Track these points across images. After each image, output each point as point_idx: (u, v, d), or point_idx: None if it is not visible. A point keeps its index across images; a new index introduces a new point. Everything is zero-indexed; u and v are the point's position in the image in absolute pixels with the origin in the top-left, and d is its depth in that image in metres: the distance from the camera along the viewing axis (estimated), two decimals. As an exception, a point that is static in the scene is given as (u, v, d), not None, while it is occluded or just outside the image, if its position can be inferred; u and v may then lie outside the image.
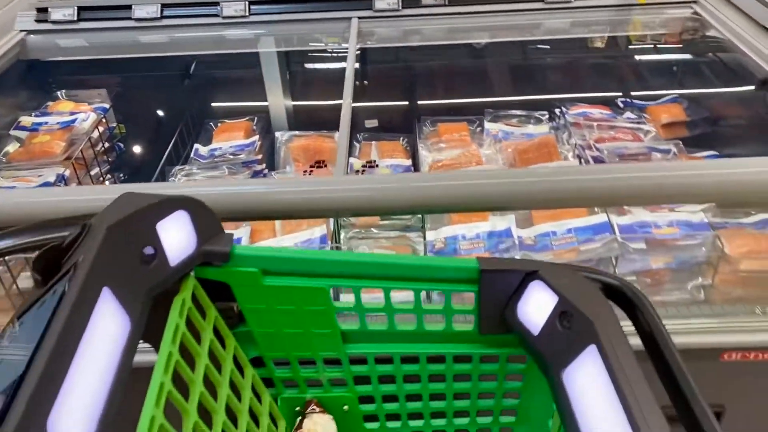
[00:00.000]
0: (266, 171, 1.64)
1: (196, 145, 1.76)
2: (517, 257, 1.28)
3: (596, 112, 1.69)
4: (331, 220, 1.34)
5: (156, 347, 0.79)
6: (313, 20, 1.78)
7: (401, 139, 1.75)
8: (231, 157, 1.71)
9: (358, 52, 1.63)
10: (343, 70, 1.51)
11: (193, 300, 0.80)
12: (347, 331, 0.90)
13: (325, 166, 1.62)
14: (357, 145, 1.74)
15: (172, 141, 1.74)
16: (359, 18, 1.72)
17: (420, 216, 1.38)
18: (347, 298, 1.18)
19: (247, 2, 1.82)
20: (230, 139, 1.78)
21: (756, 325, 1.16)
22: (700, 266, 1.28)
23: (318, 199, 0.99)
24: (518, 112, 1.76)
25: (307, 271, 0.84)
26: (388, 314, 0.88)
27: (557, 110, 1.73)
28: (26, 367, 0.56)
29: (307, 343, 0.90)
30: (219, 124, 1.84)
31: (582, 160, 1.51)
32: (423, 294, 0.87)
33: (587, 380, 0.72)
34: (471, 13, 1.75)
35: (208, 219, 0.81)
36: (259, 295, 0.85)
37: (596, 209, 1.31)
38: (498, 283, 0.83)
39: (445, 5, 1.76)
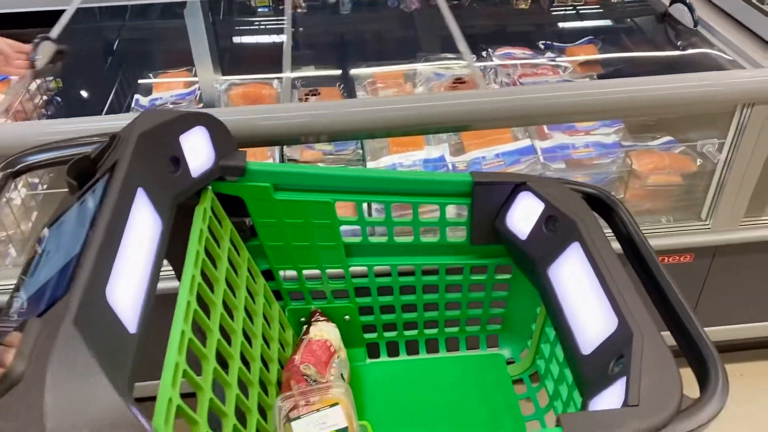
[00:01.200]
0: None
1: (136, 96, 1.74)
2: None
3: (519, 52, 1.78)
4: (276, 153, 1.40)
5: (172, 261, 0.86)
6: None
7: (338, 85, 1.79)
8: (172, 106, 1.72)
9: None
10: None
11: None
12: (350, 245, 0.98)
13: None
14: (295, 92, 1.77)
15: (112, 92, 1.72)
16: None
17: (359, 150, 1.45)
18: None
19: None
20: (170, 88, 1.77)
21: (663, 232, 1.29)
22: (613, 183, 1.38)
23: (346, 121, 1.06)
24: (449, 55, 1.83)
25: (315, 186, 0.91)
26: (387, 227, 0.96)
27: (483, 52, 1.82)
28: (80, 251, 0.62)
29: (313, 255, 0.98)
30: (158, 75, 1.84)
31: None
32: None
33: (570, 272, 0.81)
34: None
35: (224, 136, 0.87)
36: (271, 209, 0.92)
37: (520, 136, 1.40)
38: (489, 195, 0.92)
39: None
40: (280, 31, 1.74)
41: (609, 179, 1.37)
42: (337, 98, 1.71)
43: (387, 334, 1.08)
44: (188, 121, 0.83)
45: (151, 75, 1.84)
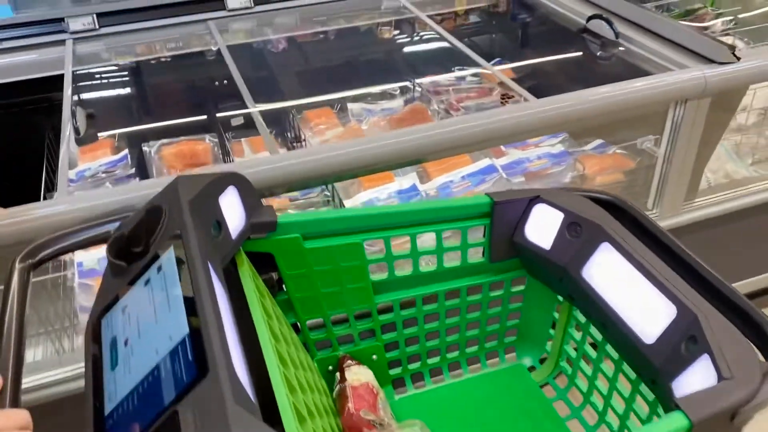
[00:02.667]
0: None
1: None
2: None
3: (443, 79, 1.89)
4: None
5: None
6: (168, 26, 1.69)
7: (271, 132, 1.81)
8: (104, 175, 1.64)
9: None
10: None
11: (243, 272, 0.84)
12: (376, 282, 0.98)
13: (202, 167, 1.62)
14: (227, 144, 1.76)
15: (44, 168, 1.59)
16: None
17: (326, 192, 1.47)
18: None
19: (94, 15, 1.63)
20: (96, 158, 1.69)
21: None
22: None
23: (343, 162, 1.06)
24: (373, 90, 1.90)
25: (344, 229, 0.91)
26: (413, 259, 0.98)
27: (408, 83, 1.91)
28: (191, 331, 0.59)
29: (341, 300, 0.97)
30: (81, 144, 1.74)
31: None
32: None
33: (607, 270, 0.87)
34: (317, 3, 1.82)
35: (251, 193, 0.85)
36: (300, 259, 0.91)
37: (478, 156, 1.48)
38: (507, 212, 0.96)
39: None
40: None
41: (562, 184, 1.47)
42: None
43: (411, 366, 1.09)
44: (223, 182, 0.81)
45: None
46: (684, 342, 0.75)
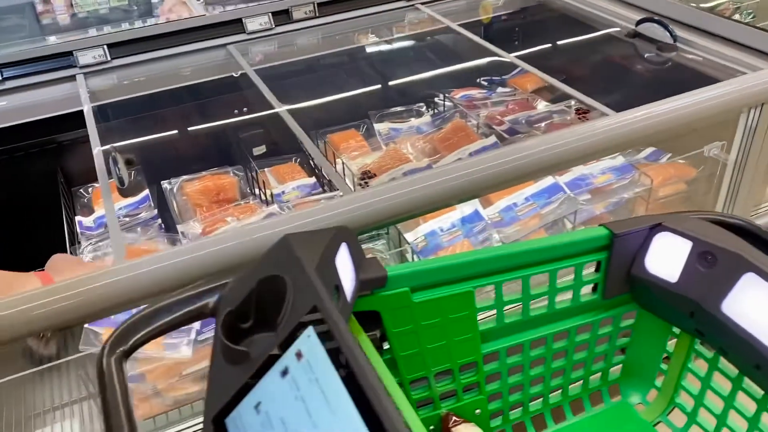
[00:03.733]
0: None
1: (78, 219, 1.51)
2: (495, 235, 1.33)
3: (475, 92, 1.80)
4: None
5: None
6: (185, 53, 1.58)
7: (294, 159, 1.71)
8: (128, 219, 1.52)
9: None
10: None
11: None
12: (483, 331, 0.88)
13: (230, 203, 1.51)
14: (252, 175, 1.65)
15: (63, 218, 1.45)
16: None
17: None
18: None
19: (105, 47, 1.52)
20: (115, 201, 1.55)
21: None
22: (629, 202, 1.43)
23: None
24: (399, 109, 1.81)
25: (454, 277, 0.81)
26: (524, 302, 0.88)
27: (437, 99, 1.82)
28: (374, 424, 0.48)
29: (447, 354, 0.87)
30: (91, 190, 1.60)
31: (495, 135, 1.58)
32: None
33: (755, 303, 0.78)
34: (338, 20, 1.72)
35: (359, 247, 0.75)
36: (408, 314, 0.81)
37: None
38: (626, 245, 0.87)
39: (315, 17, 1.69)
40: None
41: (622, 202, 1.39)
42: (300, 174, 1.60)
43: (512, 415, 0.99)
44: (337, 240, 0.70)
45: (83, 191, 1.61)
46: None
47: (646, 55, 1.41)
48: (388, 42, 1.73)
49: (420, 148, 1.50)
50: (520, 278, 0.86)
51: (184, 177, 1.58)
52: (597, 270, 0.90)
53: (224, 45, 1.53)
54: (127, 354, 0.66)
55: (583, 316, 0.94)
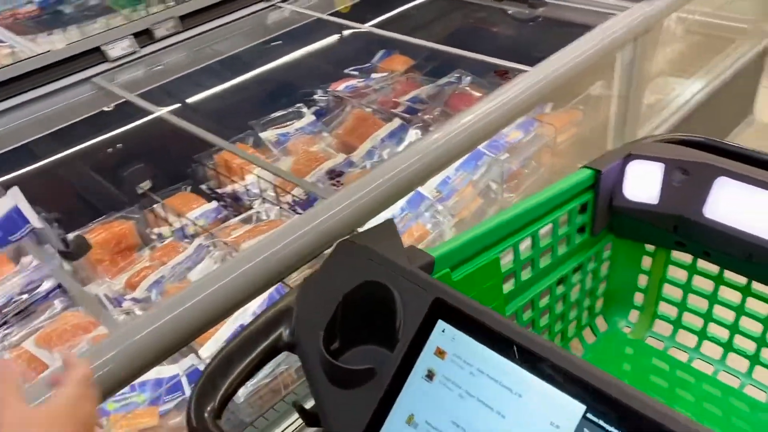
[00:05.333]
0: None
1: None
2: (439, 209, 1.36)
3: (355, 82, 1.82)
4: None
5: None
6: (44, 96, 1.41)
7: (184, 188, 1.61)
8: (27, 296, 1.30)
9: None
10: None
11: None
12: (506, 295, 0.89)
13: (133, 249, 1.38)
14: (148, 213, 1.53)
15: None
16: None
17: None
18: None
19: None
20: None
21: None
22: (533, 156, 1.54)
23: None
24: (279, 114, 1.77)
25: (481, 247, 0.81)
26: (535, 257, 0.90)
27: (315, 96, 1.81)
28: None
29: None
30: None
31: (397, 117, 1.61)
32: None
33: (733, 201, 0.87)
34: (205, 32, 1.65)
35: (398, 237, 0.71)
36: (449, 296, 0.79)
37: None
38: (608, 180, 0.92)
39: (179, 31, 1.61)
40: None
41: (528, 156, 1.47)
42: (198, 201, 1.49)
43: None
44: (387, 234, 0.66)
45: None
46: None
47: (518, 15, 1.50)
48: (258, 46, 1.66)
49: (327, 146, 1.47)
50: (530, 235, 0.87)
51: (74, 234, 1.39)
52: (583, 210, 0.94)
53: (89, 78, 1.36)
54: (218, 414, 0.57)
55: (576, 258, 0.98)
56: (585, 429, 0.46)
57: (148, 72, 1.43)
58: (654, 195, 0.92)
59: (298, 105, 1.75)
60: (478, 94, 1.44)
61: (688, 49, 1.96)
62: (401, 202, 1.21)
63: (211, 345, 1.05)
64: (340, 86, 1.70)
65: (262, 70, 1.72)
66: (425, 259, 0.72)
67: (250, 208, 1.45)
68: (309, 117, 1.70)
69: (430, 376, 0.53)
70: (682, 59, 1.92)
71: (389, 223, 0.68)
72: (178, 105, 1.51)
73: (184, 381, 0.97)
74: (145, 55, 1.43)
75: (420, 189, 1.26)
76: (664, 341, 1.07)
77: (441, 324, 0.54)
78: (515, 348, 0.50)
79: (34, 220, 0.76)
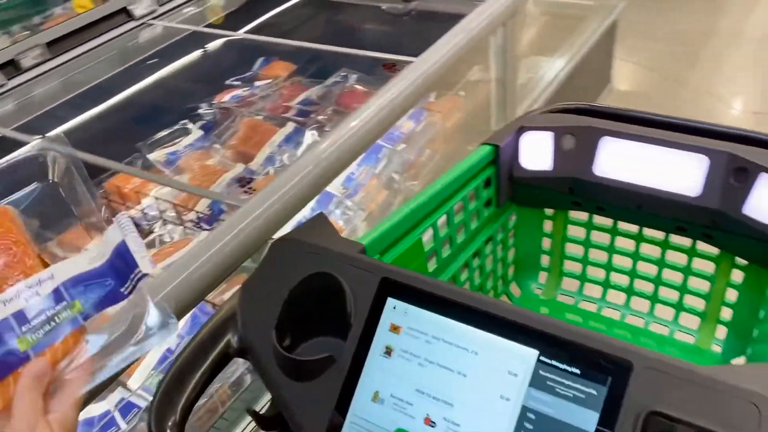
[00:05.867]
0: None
1: None
2: (348, 205, 1.39)
3: (239, 92, 1.82)
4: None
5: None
6: None
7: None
8: None
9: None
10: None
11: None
12: (431, 273, 0.93)
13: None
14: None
15: None
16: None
17: None
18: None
19: None
20: None
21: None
22: (425, 144, 1.61)
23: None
24: (164, 133, 1.74)
25: (405, 230, 0.84)
26: (452, 233, 0.95)
27: (200, 110, 1.79)
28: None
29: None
30: None
31: (290, 121, 1.63)
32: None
33: (617, 158, 0.96)
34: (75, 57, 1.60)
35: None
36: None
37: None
38: (506, 153, 0.99)
39: (48, 59, 1.55)
40: None
41: (422, 144, 1.53)
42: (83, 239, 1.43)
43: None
44: (319, 226, 0.68)
45: None
46: (732, 177, 0.87)
47: (392, 10, 1.55)
48: (133, 66, 1.60)
49: (222, 158, 1.45)
50: (445, 213, 0.92)
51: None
52: (488, 185, 1.00)
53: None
54: (181, 428, 0.56)
55: (486, 230, 1.04)
56: (540, 371, 0.50)
57: (19, 104, 1.35)
58: (548, 162, 0.99)
59: (183, 121, 1.72)
60: (366, 90, 1.48)
61: (547, 30, 2.11)
62: (312, 203, 1.22)
63: (138, 376, 1.01)
64: (225, 97, 1.69)
65: (141, 90, 1.67)
66: (357, 247, 0.74)
67: (151, 232, 1.41)
68: (197, 132, 1.67)
69: (388, 352, 0.55)
70: (544, 40, 2.07)
71: (320, 216, 0.70)
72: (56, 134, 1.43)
73: (118, 416, 0.94)
74: (13, 88, 1.35)
75: (327, 188, 1.28)
76: (573, 296, 1.15)
77: (391, 301, 0.56)
78: (465, 310, 0.53)
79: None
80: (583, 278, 1.14)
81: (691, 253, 1.00)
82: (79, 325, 0.53)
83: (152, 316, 0.53)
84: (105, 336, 0.53)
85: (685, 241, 1.00)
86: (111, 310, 0.55)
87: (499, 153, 0.97)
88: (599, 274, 1.12)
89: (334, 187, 1.28)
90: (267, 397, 1.12)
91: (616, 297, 1.12)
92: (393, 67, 1.37)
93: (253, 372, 1.14)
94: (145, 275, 0.54)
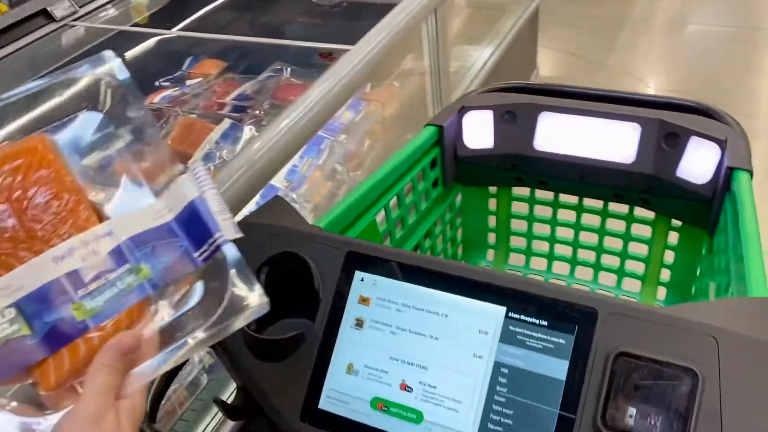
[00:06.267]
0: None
1: None
2: (294, 198, 1.39)
3: (170, 92, 1.79)
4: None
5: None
6: None
7: None
8: None
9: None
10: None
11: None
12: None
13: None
14: None
15: None
16: None
17: None
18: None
19: None
20: None
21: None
22: (365, 134, 1.63)
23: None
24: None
25: (358, 212, 0.85)
26: (403, 214, 0.96)
27: None
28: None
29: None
30: None
31: (226, 118, 1.61)
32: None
33: (555, 132, 0.99)
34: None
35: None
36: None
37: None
38: (450, 133, 1.01)
39: None
40: None
41: (362, 135, 1.54)
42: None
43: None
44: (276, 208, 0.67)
45: None
46: (663, 141, 0.92)
47: (323, 1, 1.55)
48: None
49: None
50: (396, 194, 0.93)
51: None
52: (434, 166, 1.01)
53: None
54: (152, 418, 0.55)
55: (435, 211, 1.06)
56: (510, 327, 0.51)
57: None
58: (489, 140, 1.02)
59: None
60: (302, 83, 1.47)
61: (472, 20, 2.15)
62: (256, 198, 1.21)
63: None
64: (156, 98, 1.64)
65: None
66: (316, 230, 0.75)
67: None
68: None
69: (359, 324, 0.55)
70: (470, 30, 2.11)
71: (277, 198, 0.69)
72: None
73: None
74: None
75: (271, 182, 1.26)
76: (521, 271, 1.18)
77: (359, 274, 0.57)
78: (433, 275, 0.54)
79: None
80: (528, 252, 1.17)
81: (629, 219, 1.04)
82: (146, 294, 0.45)
83: (238, 291, 0.45)
84: (172, 310, 0.46)
85: (623, 208, 1.04)
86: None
87: (443, 133, 0.98)
88: (544, 247, 1.16)
89: (278, 180, 1.27)
90: (225, 395, 1.10)
91: (562, 268, 1.16)
92: (330, 56, 1.36)
93: (209, 372, 1.12)
94: (227, 242, 0.46)
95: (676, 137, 0.91)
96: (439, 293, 0.54)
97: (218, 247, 0.46)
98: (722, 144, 0.86)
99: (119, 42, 1.60)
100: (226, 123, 1.44)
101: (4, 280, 0.42)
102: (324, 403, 0.55)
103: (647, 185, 0.96)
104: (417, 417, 0.52)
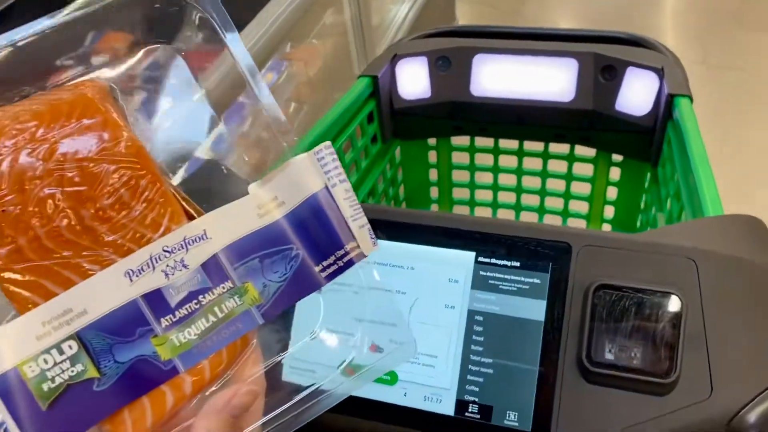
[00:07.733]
0: None
1: None
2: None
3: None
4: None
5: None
6: None
7: None
8: None
9: None
10: None
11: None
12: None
13: None
14: None
15: None
16: None
17: None
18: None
19: None
20: None
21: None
22: (291, 95, 1.57)
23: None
24: None
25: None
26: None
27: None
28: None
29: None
30: None
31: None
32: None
33: (492, 75, 0.96)
34: None
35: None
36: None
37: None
38: (385, 85, 0.96)
39: None
40: None
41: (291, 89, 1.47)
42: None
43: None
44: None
45: None
46: (600, 75, 0.91)
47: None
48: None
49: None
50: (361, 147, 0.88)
51: None
52: (371, 120, 0.97)
53: None
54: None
55: (376, 168, 1.01)
56: (481, 272, 0.48)
57: None
58: (425, 88, 0.98)
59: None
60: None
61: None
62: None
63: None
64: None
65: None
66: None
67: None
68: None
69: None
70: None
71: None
72: None
73: None
74: None
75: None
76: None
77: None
78: (393, 227, 0.50)
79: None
80: (472, 203, 1.15)
81: (571, 158, 1.03)
82: (256, 325, 0.35)
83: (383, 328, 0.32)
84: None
85: (564, 149, 1.03)
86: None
87: (377, 84, 0.94)
88: (488, 196, 1.14)
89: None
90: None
91: (507, 215, 1.14)
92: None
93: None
94: (361, 256, 0.35)
95: (612, 70, 0.90)
96: (402, 245, 0.50)
97: (350, 263, 0.36)
98: (660, 72, 0.85)
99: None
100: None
101: (61, 302, 0.30)
102: (288, 375, 0.50)
103: (588, 122, 0.95)
104: (391, 378, 0.48)
